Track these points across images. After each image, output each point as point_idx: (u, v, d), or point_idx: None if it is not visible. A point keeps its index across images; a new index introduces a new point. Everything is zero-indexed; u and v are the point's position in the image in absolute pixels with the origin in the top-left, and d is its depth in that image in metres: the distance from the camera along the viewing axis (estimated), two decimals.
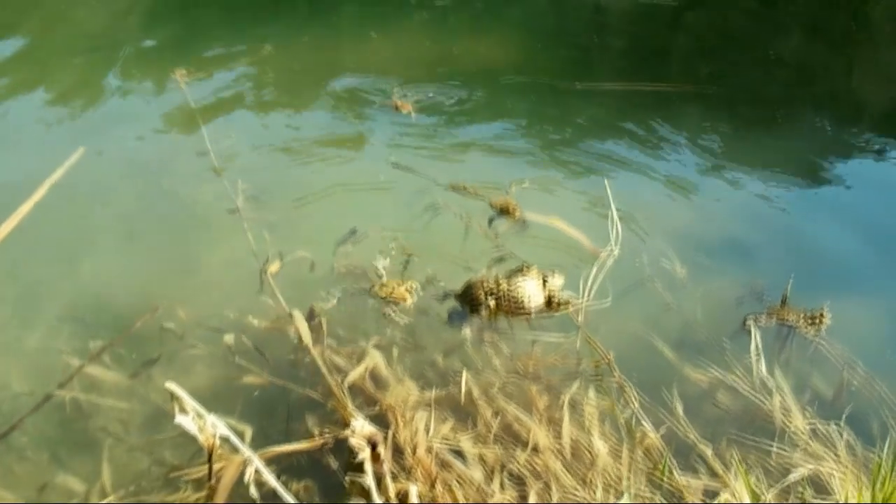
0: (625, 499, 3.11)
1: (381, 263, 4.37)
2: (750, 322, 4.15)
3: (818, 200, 5.40)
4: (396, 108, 6.02)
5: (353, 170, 5.36)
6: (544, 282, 4.25)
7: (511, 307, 4.19)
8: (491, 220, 4.84)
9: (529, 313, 4.21)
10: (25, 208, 4.05)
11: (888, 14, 8.28)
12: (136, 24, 7.56)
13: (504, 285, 4.20)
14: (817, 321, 4.12)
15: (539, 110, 6.38)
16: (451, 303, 4.27)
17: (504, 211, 4.87)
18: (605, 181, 4.85)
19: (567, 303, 4.21)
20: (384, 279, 4.28)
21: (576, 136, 6.01)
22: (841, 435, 3.51)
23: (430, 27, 7.67)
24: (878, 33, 8.12)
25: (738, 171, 5.61)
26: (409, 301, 4.15)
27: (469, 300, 4.22)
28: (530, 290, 4.19)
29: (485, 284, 4.21)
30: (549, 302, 4.22)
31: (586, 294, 4.22)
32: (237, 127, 5.81)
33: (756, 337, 4.00)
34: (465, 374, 3.70)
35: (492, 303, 4.18)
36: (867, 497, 2.89)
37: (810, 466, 3.32)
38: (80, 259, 4.46)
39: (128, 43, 7.08)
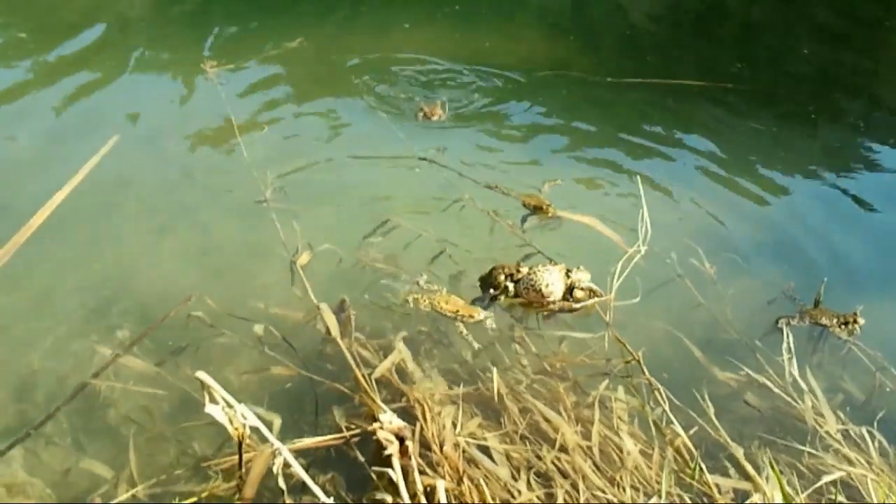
0: (655, 499, 3.07)
1: (423, 279, 4.32)
2: (782, 323, 4.10)
3: (852, 201, 5.31)
4: (426, 115, 5.80)
5: (384, 163, 5.36)
6: (567, 274, 4.23)
7: (529, 293, 4.20)
8: (524, 219, 4.80)
9: (548, 303, 4.20)
10: (60, 196, 4.06)
11: None
12: (166, 15, 7.60)
13: (525, 271, 4.23)
14: (851, 324, 4.06)
15: (571, 105, 6.36)
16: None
17: (537, 209, 4.84)
18: (638, 178, 4.80)
19: (589, 296, 4.18)
20: (442, 293, 4.20)
21: (606, 132, 5.98)
22: (873, 438, 3.45)
23: (461, 19, 7.64)
24: None
25: (771, 169, 5.56)
26: (479, 316, 4.08)
27: (489, 284, 4.26)
28: (550, 279, 4.18)
29: (506, 269, 4.26)
30: (569, 294, 4.19)
31: (612, 291, 4.18)
32: (268, 119, 5.82)
33: (789, 338, 3.94)
34: (494, 372, 3.67)
35: (510, 287, 4.20)
36: None
37: (843, 470, 3.26)
38: (109, 248, 4.47)
39: (158, 34, 7.12)
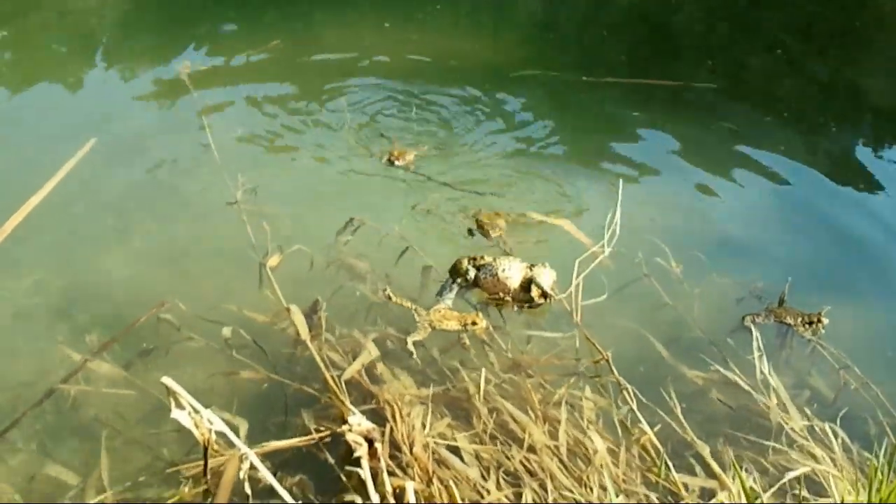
0: (621, 499, 3.10)
1: (447, 302, 4.28)
2: (748, 321, 4.15)
3: (819, 201, 5.38)
4: (391, 160, 5.34)
5: (353, 166, 5.36)
6: (530, 269, 4.28)
7: (489, 281, 4.28)
8: (471, 232, 4.81)
9: (507, 293, 4.26)
10: (36, 199, 4.05)
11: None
12: (140, 17, 7.56)
13: (487, 259, 4.33)
14: (815, 323, 4.12)
15: (546, 103, 6.41)
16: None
17: (482, 229, 4.78)
18: (620, 181, 4.84)
19: (541, 296, 4.21)
20: (443, 310, 4.13)
21: (581, 131, 6.01)
22: (837, 436, 3.50)
23: (442, 19, 7.69)
24: (886, 28, 8.12)
25: (740, 169, 5.62)
26: (482, 322, 4.06)
27: (453, 271, 4.37)
28: (510, 271, 4.26)
29: (469, 258, 4.36)
30: (528, 288, 4.23)
31: (575, 290, 4.20)
32: (240, 121, 5.81)
33: (757, 336, 3.98)
34: (463, 373, 3.70)
35: (472, 273, 4.30)
36: (863, 498, 2.89)
37: (807, 466, 3.31)
38: (78, 252, 4.45)
39: (133, 37, 7.08)
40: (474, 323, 4.02)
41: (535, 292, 4.21)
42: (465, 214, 4.90)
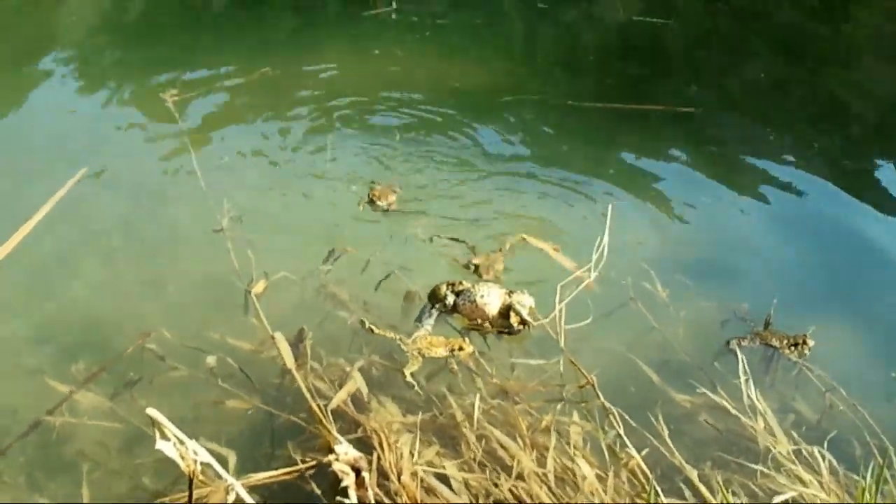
0: None
1: (426, 327, 4.28)
2: (734, 344, 4.17)
3: (805, 223, 5.42)
4: (372, 199, 5.21)
5: (341, 193, 5.38)
6: (508, 295, 4.29)
7: (467, 307, 4.28)
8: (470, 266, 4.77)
9: (486, 319, 4.26)
10: (28, 226, 4.04)
11: (872, 32, 8.40)
12: (126, 44, 7.58)
13: (467, 285, 4.34)
14: (800, 345, 4.14)
15: (531, 128, 6.48)
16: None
17: (476, 270, 4.73)
18: (610, 207, 4.85)
19: (520, 323, 4.22)
20: (428, 337, 4.15)
21: (568, 155, 6.05)
22: (824, 458, 3.51)
23: (430, 43, 7.78)
24: (864, 49, 8.24)
25: (724, 191, 5.66)
26: (468, 346, 4.08)
27: (432, 296, 4.38)
28: (488, 297, 4.27)
29: (448, 284, 4.37)
30: (507, 314, 4.24)
31: (558, 315, 4.20)
32: (226, 148, 5.82)
33: (742, 359, 3.99)
34: (451, 399, 3.69)
35: (450, 299, 4.31)
36: None
37: (795, 490, 3.31)
38: (61, 280, 4.43)
39: (117, 63, 7.10)
40: (461, 348, 4.03)
41: (513, 319, 4.22)
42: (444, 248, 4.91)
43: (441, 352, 4.03)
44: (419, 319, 4.30)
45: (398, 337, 4.08)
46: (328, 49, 7.62)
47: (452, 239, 4.95)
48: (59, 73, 6.84)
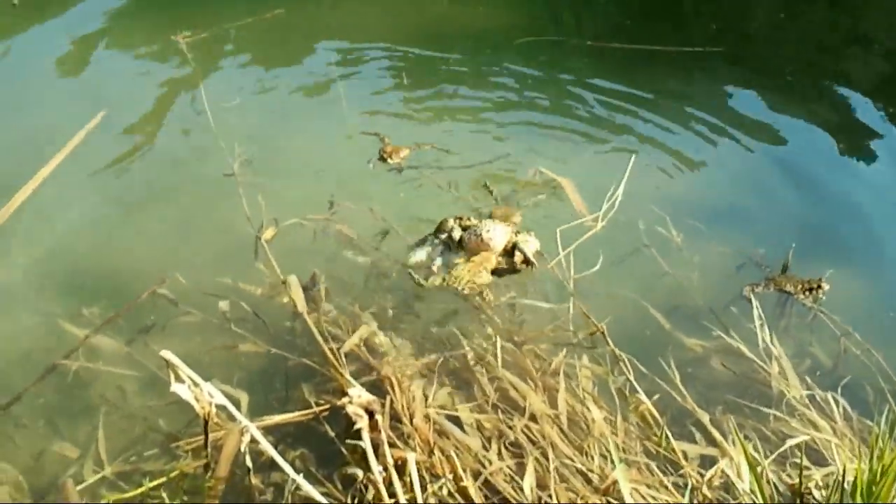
0: (621, 467, 3.10)
1: (415, 257, 4.32)
2: (747, 291, 4.13)
3: (822, 168, 5.31)
4: (384, 156, 5.10)
5: (352, 136, 5.33)
6: (515, 235, 4.30)
7: (472, 241, 4.25)
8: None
9: (490, 253, 4.25)
10: (46, 171, 4.05)
11: None
12: None
13: (475, 221, 4.34)
14: (815, 290, 4.10)
15: (549, 71, 6.32)
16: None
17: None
18: (633, 157, 4.84)
19: (524, 262, 4.23)
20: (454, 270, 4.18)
21: (583, 99, 5.94)
22: (837, 404, 3.50)
23: None
24: None
25: (743, 135, 5.54)
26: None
27: (438, 229, 4.38)
28: (494, 232, 4.24)
29: (456, 218, 4.38)
30: (511, 253, 4.25)
31: (565, 260, 4.20)
32: (239, 91, 5.75)
33: (757, 305, 3.97)
34: (464, 341, 3.70)
35: (456, 232, 4.30)
36: (865, 466, 2.88)
37: (807, 434, 3.31)
38: (74, 225, 4.43)
39: (129, 6, 6.99)
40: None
41: (517, 258, 4.20)
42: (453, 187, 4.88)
43: (484, 276, 4.13)
44: (418, 245, 4.32)
45: (443, 279, 4.13)
46: None
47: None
48: (67, 16, 6.74)
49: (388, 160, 5.08)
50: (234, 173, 4.69)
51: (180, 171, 4.86)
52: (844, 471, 2.77)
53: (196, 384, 2.92)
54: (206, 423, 3.01)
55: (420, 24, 6.94)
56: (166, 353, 2.88)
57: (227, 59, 6.20)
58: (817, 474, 3.10)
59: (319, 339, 3.62)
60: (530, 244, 4.27)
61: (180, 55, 6.05)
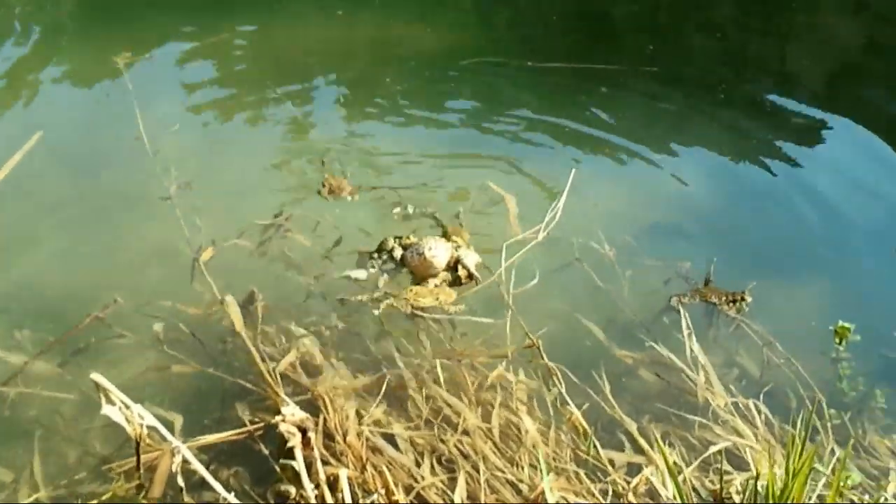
0: (551, 476, 3.19)
1: (358, 274, 4.36)
2: (675, 301, 4.26)
3: (747, 183, 5.50)
4: (331, 190, 4.97)
5: (295, 155, 5.40)
6: (456, 250, 4.39)
7: (415, 260, 4.32)
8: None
9: (430, 273, 4.32)
10: None
11: None
12: (79, 6, 7.43)
13: (414, 239, 4.42)
14: (738, 301, 4.24)
15: (490, 89, 6.47)
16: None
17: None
18: (573, 172, 4.97)
19: (468, 277, 4.32)
20: (411, 289, 4.24)
21: (525, 117, 6.09)
22: (760, 411, 3.63)
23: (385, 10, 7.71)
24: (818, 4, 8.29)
25: (673, 151, 5.73)
26: (453, 297, 4.19)
27: (379, 249, 4.45)
28: (437, 250, 4.31)
29: (395, 237, 4.47)
30: (455, 268, 4.33)
31: (504, 274, 4.30)
32: (179, 113, 5.78)
33: (685, 315, 4.10)
34: (398, 360, 3.76)
35: (398, 252, 4.39)
36: (781, 469, 3.00)
37: (729, 440, 3.43)
38: (9, 248, 4.41)
39: (69, 25, 6.96)
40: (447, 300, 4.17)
41: (461, 272, 4.28)
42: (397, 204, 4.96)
43: (428, 301, 4.12)
44: (360, 265, 4.38)
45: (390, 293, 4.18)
46: (288, 11, 7.51)
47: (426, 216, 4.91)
48: (4, 32, 6.69)
49: (340, 194, 4.96)
50: (171, 196, 4.71)
51: (117, 193, 4.86)
52: (758, 474, 2.89)
53: (127, 406, 2.94)
54: (138, 444, 3.03)
55: (366, 46, 7.04)
56: (96, 376, 2.90)
57: (167, 83, 6.21)
58: (738, 479, 3.23)
59: (256, 357, 3.66)
60: (471, 258, 4.36)
61: (119, 76, 6.04)
